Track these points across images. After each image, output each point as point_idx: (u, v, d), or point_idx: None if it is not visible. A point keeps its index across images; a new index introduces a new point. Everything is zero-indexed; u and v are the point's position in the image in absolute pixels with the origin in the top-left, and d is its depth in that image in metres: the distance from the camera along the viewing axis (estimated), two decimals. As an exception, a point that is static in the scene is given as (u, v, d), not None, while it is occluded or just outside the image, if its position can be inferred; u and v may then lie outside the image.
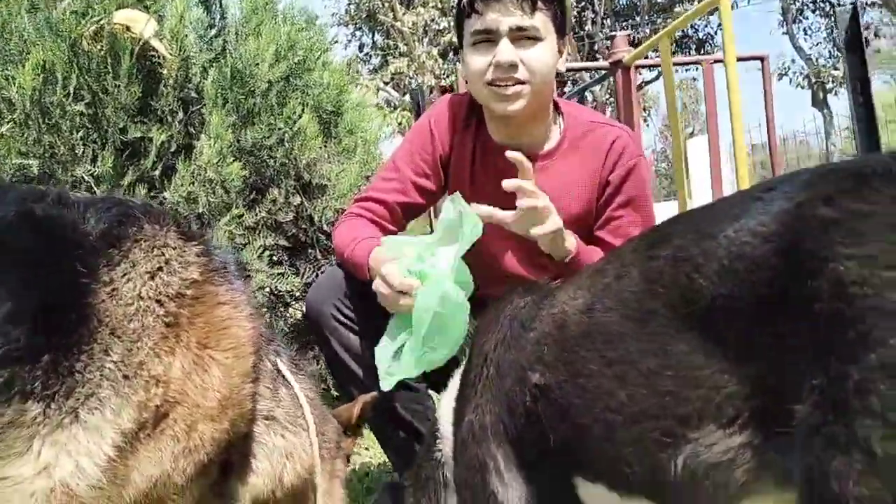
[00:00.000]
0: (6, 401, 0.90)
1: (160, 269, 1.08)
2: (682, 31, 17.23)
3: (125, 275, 1.04)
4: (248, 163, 2.73)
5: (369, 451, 2.84)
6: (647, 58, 3.96)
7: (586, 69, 5.99)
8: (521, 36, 1.78)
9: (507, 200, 1.94)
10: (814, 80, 17.99)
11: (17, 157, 2.33)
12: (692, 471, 0.84)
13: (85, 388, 0.95)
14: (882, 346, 0.61)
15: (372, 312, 1.90)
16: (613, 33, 3.91)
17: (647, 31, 17.39)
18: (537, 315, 1.20)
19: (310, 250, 2.94)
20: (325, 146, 2.92)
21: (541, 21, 1.79)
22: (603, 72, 3.97)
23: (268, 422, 1.25)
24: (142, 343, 1.01)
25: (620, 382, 0.93)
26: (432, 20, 17.48)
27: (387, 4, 18.67)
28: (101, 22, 2.46)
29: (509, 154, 1.71)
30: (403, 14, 17.66)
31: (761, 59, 4.42)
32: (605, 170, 1.91)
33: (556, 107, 2.01)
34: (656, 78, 17.59)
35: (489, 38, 1.80)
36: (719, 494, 0.84)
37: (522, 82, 1.81)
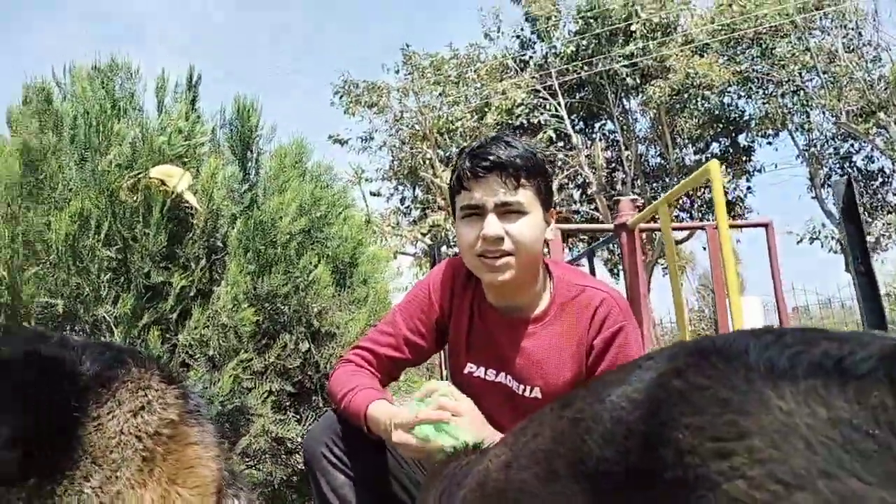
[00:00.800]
0: None
1: (142, 408, 1.19)
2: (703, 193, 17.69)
3: (111, 412, 1.15)
4: (262, 309, 2.84)
5: None
6: (654, 220, 4.12)
7: (593, 230, 6.21)
8: (507, 210, 1.90)
9: (501, 359, 2.03)
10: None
11: (45, 296, 2.48)
12: None
13: None
14: None
15: (361, 455, 1.93)
16: (618, 198, 4.11)
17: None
18: (469, 472, 1.22)
19: (314, 397, 2.97)
20: (338, 295, 3.04)
21: (525, 197, 1.91)
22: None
23: None
24: (120, 473, 1.10)
25: None
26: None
27: (427, 162, 19.79)
28: (139, 176, 2.70)
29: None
30: (443, 171, 18.63)
31: (765, 225, 4.52)
32: (591, 334, 1.97)
33: (548, 269, 2.10)
34: (687, 238, 17.89)
35: (477, 212, 1.93)
36: None
37: (509, 254, 1.91)
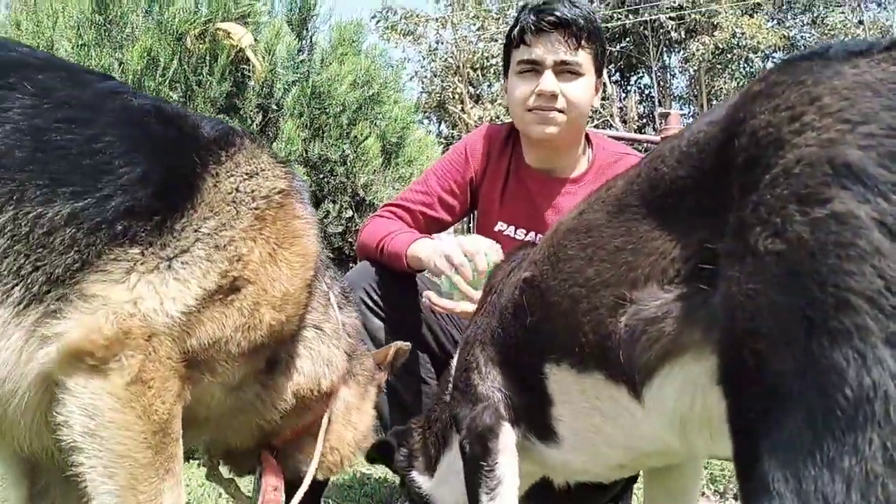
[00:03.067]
0: (119, 244, 1.07)
1: (256, 173, 1.26)
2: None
3: (228, 171, 1.23)
4: (310, 174, 2.93)
5: (372, 467, 2.84)
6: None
7: (638, 140, 6.19)
8: (564, 70, 1.94)
9: (533, 218, 2.09)
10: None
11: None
12: (631, 329, 0.90)
13: (181, 244, 1.11)
14: (774, 167, 0.70)
15: (396, 302, 2.02)
16: (667, 111, 4.10)
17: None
18: (539, 241, 1.31)
19: (351, 264, 3.07)
20: (384, 171, 3.11)
21: (583, 58, 1.95)
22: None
23: (317, 331, 1.38)
24: (234, 223, 1.18)
25: (590, 262, 1.02)
26: (497, 116, 18.22)
27: (457, 97, 19.58)
28: (206, 26, 2.75)
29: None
30: (472, 108, 18.44)
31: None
32: None
33: (587, 137, 2.15)
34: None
35: (534, 68, 1.96)
36: (653, 350, 0.88)
37: (560, 111, 1.95)
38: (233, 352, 1.16)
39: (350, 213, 3.01)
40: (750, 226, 0.70)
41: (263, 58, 2.90)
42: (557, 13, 1.92)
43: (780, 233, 0.66)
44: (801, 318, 0.63)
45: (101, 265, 1.05)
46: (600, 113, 18.49)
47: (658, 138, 3.99)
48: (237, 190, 1.20)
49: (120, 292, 1.05)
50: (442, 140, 21.61)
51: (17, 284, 1.01)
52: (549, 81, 1.93)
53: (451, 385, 1.44)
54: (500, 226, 2.14)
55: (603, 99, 18.70)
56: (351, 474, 2.71)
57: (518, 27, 1.99)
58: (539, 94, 1.94)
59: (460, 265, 1.76)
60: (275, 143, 2.86)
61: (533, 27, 1.93)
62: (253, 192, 1.22)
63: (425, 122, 22.23)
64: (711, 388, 0.81)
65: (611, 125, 18.74)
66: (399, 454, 1.63)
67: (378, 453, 1.67)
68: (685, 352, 0.87)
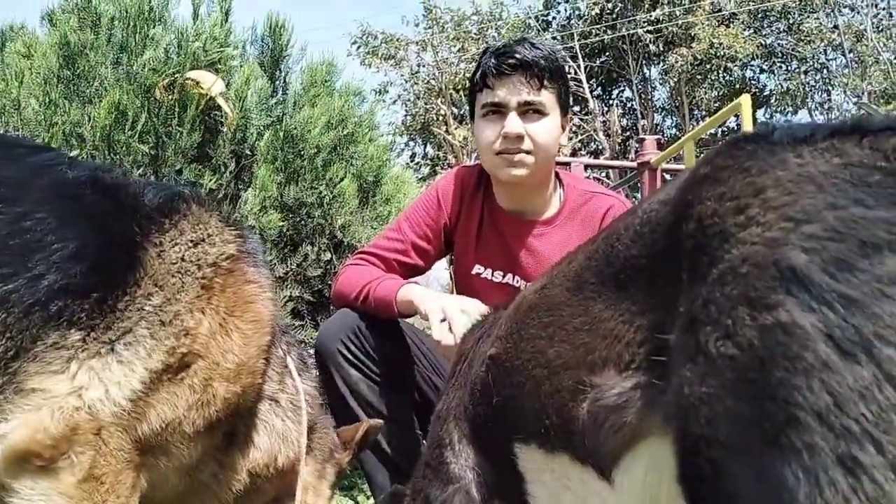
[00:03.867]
0: (54, 326, 1.02)
1: (203, 240, 1.22)
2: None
3: (172, 240, 1.18)
4: (287, 218, 2.91)
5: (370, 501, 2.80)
6: (678, 160, 4.12)
7: (614, 167, 6.23)
8: (528, 110, 1.94)
9: (508, 259, 2.07)
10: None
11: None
12: (594, 416, 0.89)
13: (123, 324, 1.07)
14: (721, 262, 0.69)
15: (377, 353, 1.97)
16: (643, 137, 4.11)
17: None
18: (507, 307, 1.29)
19: (331, 307, 3.04)
20: (361, 211, 3.10)
21: (547, 97, 1.95)
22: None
23: (272, 403, 1.34)
24: (180, 296, 1.14)
25: (550, 341, 1.00)
26: (482, 136, 18.33)
27: (440, 118, 19.66)
28: (175, 76, 2.74)
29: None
30: (456, 128, 18.52)
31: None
32: None
33: (558, 177, 2.14)
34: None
35: (499, 110, 1.96)
36: (617, 438, 0.87)
37: (528, 152, 1.94)
38: (187, 431, 1.12)
39: (329, 255, 2.99)
40: (701, 323, 0.69)
41: (235, 104, 2.89)
42: (518, 55, 1.92)
43: (731, 335, 0.66)
44: (753, 430, 0.62)
45: (39, 352, 1.01)
46: (583, 128, 18.62)
47: (634, 164, 4.00)
48: (182, 259, 1.16)
49: (61, 384, 1.01)
50: (428, 161, 21.69)
51: None
52: (513, 123, 1.93)
53: (422, 461, 1.41)
54: (477, 269, 2.12)
55: (586, 114, 18.86)
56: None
57: (480, 71, 1.99)
58: (505, 137, 1.94)
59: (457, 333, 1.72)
60: (249, 189, 2.84)
61: (494, 70, 1.93)
62: (199, 260, 1.18)
63: (411, 143, 22.32)
64: (673, 461, 0.79)
65: (594, 139, 18.86)
66: None
67: None
68: (648, 435, 0.85)
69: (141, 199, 1.20)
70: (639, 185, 3.91)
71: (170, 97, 2.69)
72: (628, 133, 19.91)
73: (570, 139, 18.23)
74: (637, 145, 4.03)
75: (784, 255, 0.64)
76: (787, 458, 0.58)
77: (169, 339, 1.10)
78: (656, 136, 4.06)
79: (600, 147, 18.86)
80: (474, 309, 1.75)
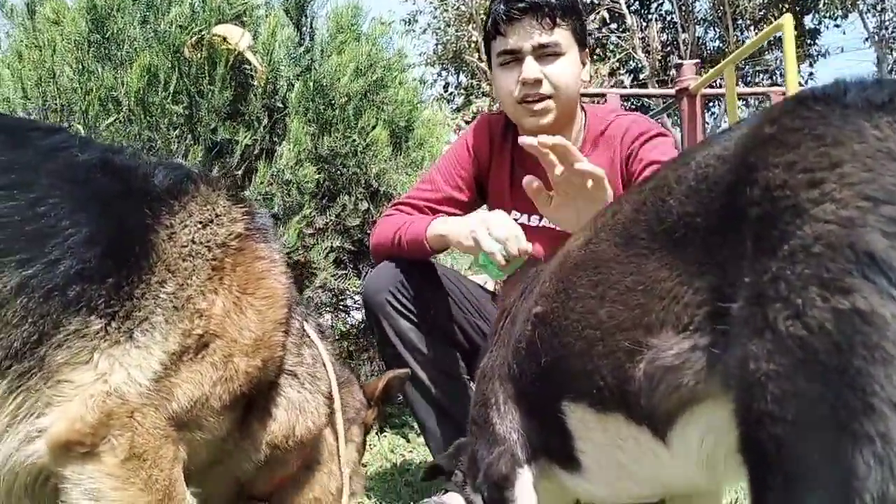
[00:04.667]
0: (75, 311, 1.06)
1: (211, 221, 1.24)
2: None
3: (182, 222, 1.20)
4: (322, 169, 2.93)
5: (413, 452, 2.92)
6: (718, 87, 3.97)
7: (651, 96, 6.03)
8: (544, 53, 1.92)
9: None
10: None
11: (120, 149, 2.59)
12: (650, 376, 0.89)
13: (141, 313, 1.11)
14: (792, 238, 0.67)
15: (423, 302, 2.03)
16: (681, 62, 3.95)
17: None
18: (548, 265, 1.29)
19: (371, 257, 3.09)
20: (395, 158, 3.09)
21: (561, 36, 1.92)
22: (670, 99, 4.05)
23: (289, 376, 1.38)
24: (191, 280, 1.17)
25: (601, 301, 1.00)
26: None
27: (473, 45, 19.16)
28: (202, 33, 2.73)
29: (543, 139, 1.67)
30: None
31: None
32: (622, 153, 1.98)
33: (583, 108, 2.11)
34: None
35: (515, 57, 1.93)
36: (673, 399, 0.88)
37: (549, 97, 1.93)
38: (215, 406, 1.18)
39: (366, 204, 3.01)
40: (769, 299, 0.69)
41: (263, 57, 2.87)
42: None
43: (801, 316, 0.65)
44: (825, 413, 0.63)
45: (62, 340, 1.05)
46: (622, 46, 17.94)
47: (672, 91, 3.87)
48: (193, 241, 1.19)
49: (87, 373, 1.06)
50: (462, 90, 21.26)
51: None
52: (531, 68, 1.91)
53: (469, 419, 1.45)
54: (513, 214, 2.13)
55: (623, 31, 18.13)
56: (391, 462, 2.79)
57: (491, 19, 1.97)
58: (524, 83, 1.92)
59: (491, 254, 1.72)
60: (283, 143, 2.86)
61: (504, 16, 1.91)
62: (208, 241, 1.21)
63: (444, 73, 21.87)
64: (735, 431, 0.80)
65: (633, 57, 18.18)
66: (455, 477, 1.63)
67: (433, 477, 1.68)
68: (706, 399, 0.87)
69: (151, 181, 1.22)
70: (678, 112, 3.79)
71: (199, 55, 2.69)
72: (669, 48, 19.13)
73: (608, 59, 17.62)
74: (675, 71, 3.88)
75: (861, 238, 0.62)
76: (860, 444, 0.60)
77: (183, 322, 1.14)
78: (695, 62, 3.88)
79: (640, 65, 18.21)
80: (499, 223, 1.74)
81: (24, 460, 1.07)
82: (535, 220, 2.12)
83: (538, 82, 1.92)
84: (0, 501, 1.12)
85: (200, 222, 1.22)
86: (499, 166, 2.13)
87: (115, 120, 2.59)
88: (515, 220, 2.12)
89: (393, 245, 2.02)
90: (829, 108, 0.72)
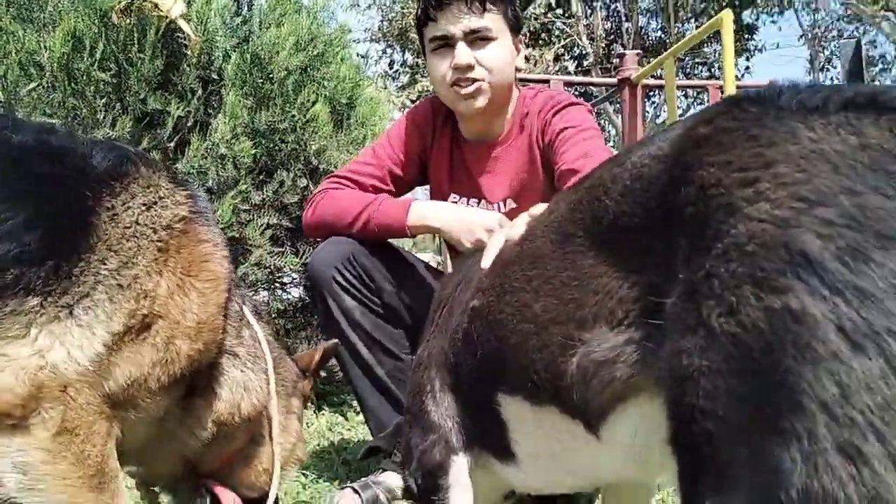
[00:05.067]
0: (12, 294, 1.03)
1: (154, 203, 1.21)
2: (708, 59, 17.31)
3: (124, 203, 1.17)
4: (259, 144, 2.85)
5: (351, 431, 2.90)
6: (659, 77, 4.03)
7: (595, 84, 6.10)
8: (475, 37, 1.92)
9: (474, 187, 2.09)
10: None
11: (42, 116, 2.46)
12: (584, 370, 0.89)
13: (79, 289, 1.07)
14: (727, 236, 0.68)
15: (370, 280, 2.00)
16: (623, 52, 4.00)
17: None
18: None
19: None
20: (336, 135, 3.03)
21: (492, 21, 1.92)
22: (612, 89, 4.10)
23: (231, 357, 1.37)
24: (136, 260, 1.14)
25: (536, 295, 1.01)
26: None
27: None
28: (132, -2, 2.60)
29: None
30: (435, 34, 17.91)
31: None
32: (539, 127, 2.00)
33: (520, 92, 2.12)
34: (683, 114, 17.69)
35: (447, 42, 1.93)
36: (606, 393, 0.88)
37: (481, 80, 1.93)
38: (153, 387, 1.15)
39: (305, 181, 2.95)
40: (702, 296, 0.69)
41: (197, 26, 2.76)
42: None
43: (734, 313, 0.65)
44: (753, 410, 0.64)
45: None
46: (567, 32, 18.08)
47: (615, 80, 3.91)
48: (136, 223, 1.16)
49: (22, 348, 1.03)
50: (408, 69, 21.08)
51: None
52: (462, 54, 1.92)
53: (405, 407, 1.44)
54: (452, 197, 2.16)
55: (568, 17, 18.27)
56: (329, 440, 2.77)
57: (422, 5, 1.97)
58: (455, 68, 1.93)
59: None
60: (219, 116, 2.77)
61: (435, 3, 1.91)
62: (153, 223, 1.18)
63: (388, 51, 21.60)
64: (666, 424, 0.81)
65: (578, 44, 18.37)
66: (395, 456, 1.62)
67: (372, 455, 1.68)
68: (638, 393, 0.87)
69: (89, 162, 1.18)
70: (620, 101, 3.84)
71: (128, 22, 2.57)
72: (613, 37, 19.40)
73: (553, 44, 17.76)
74: (617, 60, 3.92)
75: (795, 238, 0.63)
76: (787, 442, 0.60)
77: (129, 301, 1.11)
78: (637, 52, 3.94)
79: (584, 52, 18.41)
80: (494, 223, 1.76)
81: None
82: (473, 203, 2.12)
83: (470, 67, 1.92)
84: None
85: (144, 204, 1.19)
86: (439, 150, 2.14)
87: (37, 86, 2.45)
88: (455, 202, 2.12)
89: (354, 224, 1.98)
90: (763, 109, 0.73)
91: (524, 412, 1.08)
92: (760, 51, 19.19)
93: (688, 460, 0.73)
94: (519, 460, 1.19)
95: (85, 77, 2.50)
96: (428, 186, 2.26)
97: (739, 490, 0.64)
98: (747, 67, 19.26)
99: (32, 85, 2.40)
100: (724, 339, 0.66)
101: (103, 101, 2.53)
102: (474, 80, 1.93)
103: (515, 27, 2.01)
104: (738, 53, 19.01)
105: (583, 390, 0.91)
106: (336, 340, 1.80)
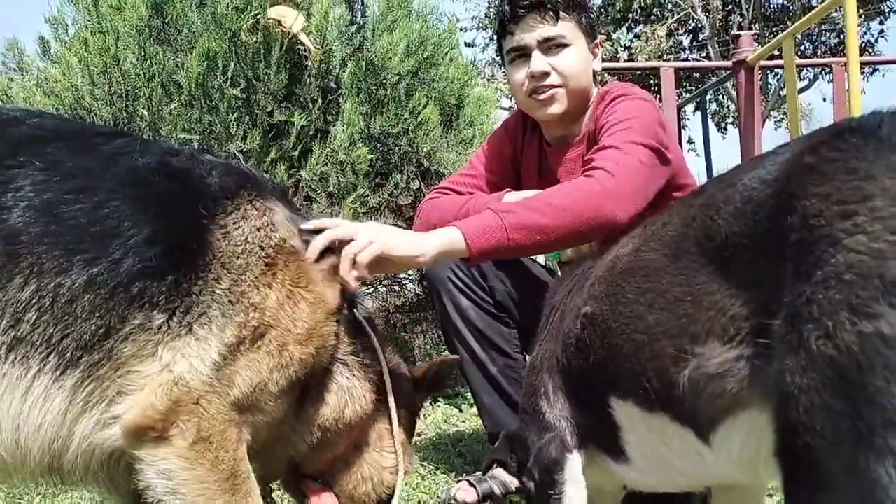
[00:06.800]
0: (139, 307, 1.16)
1: (266, 225, 1.33)
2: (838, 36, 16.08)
3: (236, 223, 1.29)
4: (375, 149, 2.98)
5: (465, 423, 3.00)
6: (778, 56, 3.81)
7: (707, 69, 5.81)
8: (550, 45, 1.97)
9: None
10: None
11: (182, 133, 2.69)
12: (695, 382, 0.96)
13: (199, 308, 1.21)
14: (826, 265, 0.74)
15: (485, 280, 2.10)
16: (738, 33, 3.82)
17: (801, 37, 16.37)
18: (595, 265, 1.34)
19: (424, 233, 3.14)
20: (446, 136, 3.12)
21: (566, 28, 1.97)
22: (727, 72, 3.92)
23: (340, 364, 1.47)
24: (245, 276, 1.26)
25: (650, 308, 1.07)
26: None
27: (526, 7, 18.73)
28: (258, 16, 2.79)
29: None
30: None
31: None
32: (598, 124, 1.97)
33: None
34: (807, 87, 16.58)
35: (523, 53, 2.00)
36: (717, 404, 0.95)
37: (558, 86, 1.98)
38: (273, 391, 1.28)
39: (417, 183, 3.06)
40: (804, 320, 0.76)
41: (316, 38, 2.92)
42: None
43: (832, 337, 0.73)
44: (849, 427, 0.70)
45: (127, 332, 1.15)
46: (680, 6, 17.32)
47: (729, 63, 3.75)
48: (246, 241, 1.27)
49: (153, 364, 1.17)
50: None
51: (50, 353, 1.13)
52: (537, 62, 1.98)
53: (520, 408, 1.51)
54: None
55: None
56: (445, 432, 2.88)
57: (499, 20, 2.06)
58: (532, 77, 1.99)
59: None
60: (337, 124, 2.92)
61: (510, 15, 1.98)
62: (262, 241, 1.29)
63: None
64: (772, 436, 0.88)
65: (691, 17, 17.55)
66: (511, 463, 1.68)
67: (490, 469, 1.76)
68: (748, 406, 0.94)
69: (205, 182, 1.30)
70: (735, 85, 3.68)
71: (255, 39, 2.75)
72: (730, 6, 18.39)
73: (666, 20, 17.06)
74: (726, 54, 3.76)
75: (890, 269, 0.69)
76: (882, 457, 0.67)
77: (238, 315, 1.23)
78: (753, 33, 3.75)
79: (699, 25, 17.58)
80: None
81: (100, 443, 1.19)
82: None
83: (545, 74, 1.98)
84: (78, 476, 1.24)
85: (255, 226, 1.30)
86: (528, 155, 2.22)
87: (176, 105, 2.69)
88: None
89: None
90: (864, 141, 0.78)
91: (636, 416, 1.15)
92: (892, 11, 17.58)
93: (791, 471, 0.79)
94: (630, 460, 1.26)
95: (218, 94, 2.72)
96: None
97: (838, 501, 0.71)
98: (882, 31, 17.74)
99: (173, 105, 2.63)
100: (822, 360, 0.73)
101: (234, 115, 2.74)
102: (550, 87, 1.99)
103: (590, 32, 2.05)
104: (870, 17, 17.52)
105: (694, 400, 0.98)
106: (457, 357, 1.88)
